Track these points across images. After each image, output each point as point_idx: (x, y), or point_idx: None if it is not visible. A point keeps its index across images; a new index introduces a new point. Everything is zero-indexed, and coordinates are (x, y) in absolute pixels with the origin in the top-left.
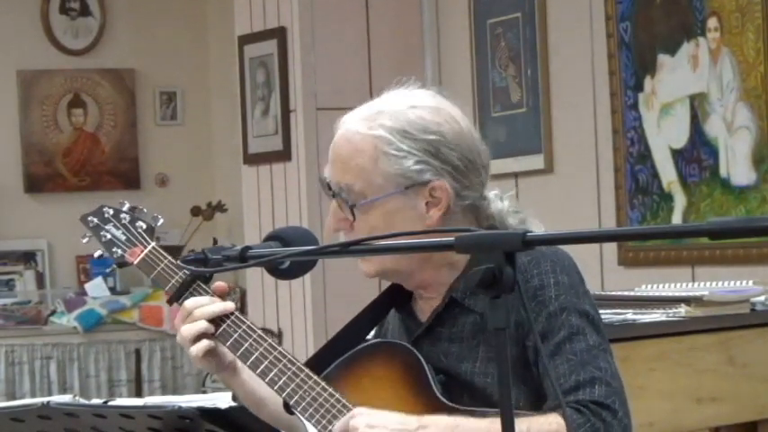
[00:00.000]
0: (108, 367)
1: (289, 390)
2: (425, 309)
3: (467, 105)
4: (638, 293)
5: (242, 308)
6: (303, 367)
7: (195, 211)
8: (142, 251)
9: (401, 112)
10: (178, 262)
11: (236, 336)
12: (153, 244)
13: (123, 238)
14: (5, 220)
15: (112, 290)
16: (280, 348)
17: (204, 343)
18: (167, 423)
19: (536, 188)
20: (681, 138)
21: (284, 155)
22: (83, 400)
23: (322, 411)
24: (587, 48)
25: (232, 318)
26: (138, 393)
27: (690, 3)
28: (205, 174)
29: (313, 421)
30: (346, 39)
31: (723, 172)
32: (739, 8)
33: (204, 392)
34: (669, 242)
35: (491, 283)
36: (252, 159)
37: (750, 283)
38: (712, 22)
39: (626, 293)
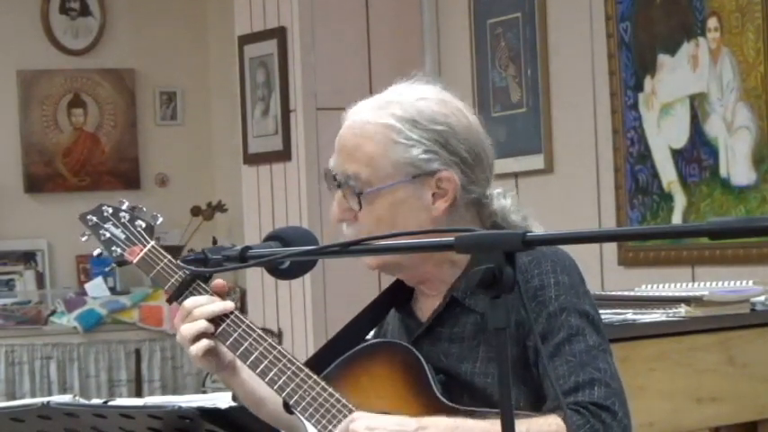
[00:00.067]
0: (108, 367)
1: (288, 389)
2: (426, 308)
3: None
4: (638, 293)
5: (242, 308)
6: (303, 367)
7: (195, 211)
8: (141, 250)
9: (410, 103)
10: (178, 262)
11: (235, 335)
12: (152, 243)
13: (122, 236)
14: (5, 220)
15: (112, 290)
16: (279, 348)
17: (204, 342)
18: (167, 423)
19: (536, 188)
20: (681, 138)
21: (284, 155)
22: (83, 400)
23: (322, 411)
24: (587, 48)
25: (232, 317)
26: (138, 393)
27: (690, 3)
28: (205, 174)
29: (313, 421)
30: (346, 39)
31: (723, 172)
32: (739, 8)
33: (204, 392)
34: (669, 242)
35: (491, 283)
36: (252, 159)
37: (750, 283)
38: (712, 22)
39: (626, 293)
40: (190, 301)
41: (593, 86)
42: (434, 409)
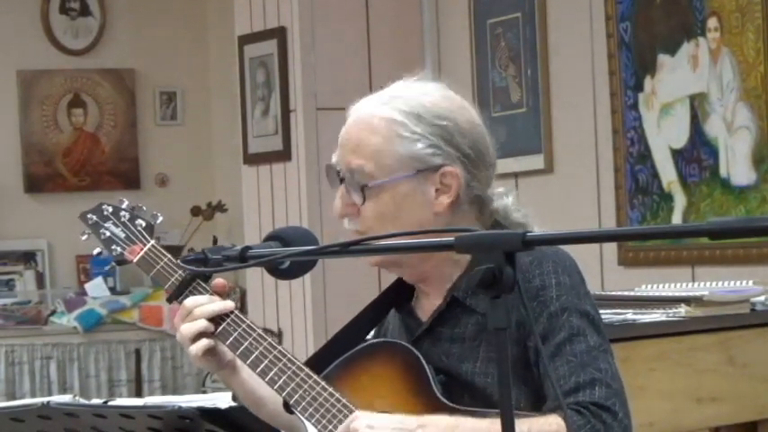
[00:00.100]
0: (108, 367)
1: (289, 389)
2: (426, 308)
3: None
4: (638, 293)
5: (242, 308)
6: (303, 366)
7: (195, 211)
8: (142, 249)
9: (415, 98)
10: (178, 262)
11: (235, 335)
12: (152, 242)
13: (122, 235)
14: (5, 220)
15: (112, 290)
16: (279, 347)
17: (204, 342)
18: (167, 423)
19: (536, 188)
20: (681, 138)
21: (284, 155)
22: (83, 400)
23: (322, 411)
24: (587, 48)
25: (232, 317)
26: (138, 393)
27: (690, 3)
28: (205, 174)
29: (313, 421)
30: (346, 39)
31: (723, 172)
32: (739, 8)
33: (204, 392)
34: (669, 242)
35: (491, 283)
36: (252, 159)
37: (750, 283)
38: (712, 22)
39: (626, 293)
40: (190, 301)
41: (593, 86)
42: (434, 408)
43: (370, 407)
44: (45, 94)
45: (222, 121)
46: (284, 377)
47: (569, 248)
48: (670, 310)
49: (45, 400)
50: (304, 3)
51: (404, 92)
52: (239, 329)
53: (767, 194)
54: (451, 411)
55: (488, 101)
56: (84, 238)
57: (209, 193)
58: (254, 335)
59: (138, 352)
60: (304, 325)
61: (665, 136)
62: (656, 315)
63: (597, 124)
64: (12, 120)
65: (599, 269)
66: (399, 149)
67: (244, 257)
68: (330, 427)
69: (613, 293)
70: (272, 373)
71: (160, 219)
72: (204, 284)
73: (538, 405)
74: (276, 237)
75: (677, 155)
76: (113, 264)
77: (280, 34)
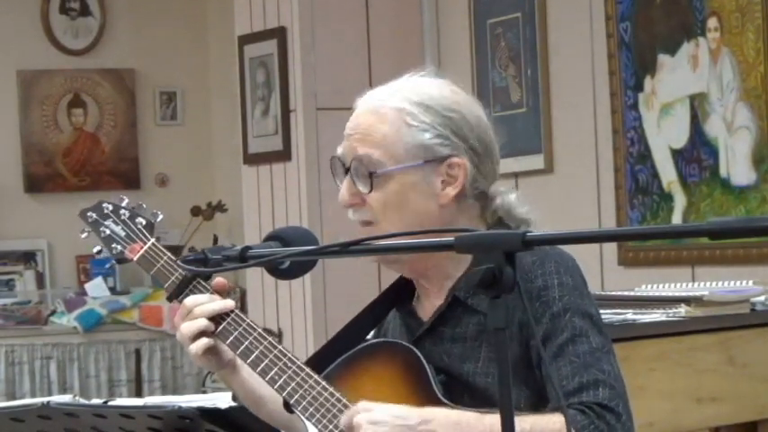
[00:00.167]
0: (108, 367)
1: (289, 389)
2: (428, 308)
3: None
4: (638, 293)
5: (242, 308)
6: (303, 366)
7: (195, 211)
8: (142, 247)
9: (423, 90)
10: (178, 262)
11: (236, 334)
12: (152, 240)
13: (123, 234)
14: (5, 220)
15: (112, 290)
16: (279, 347)
17: (204, 341)
18: (167, 423)
19: (536, 188)
20: (681, 138)
21: (284, 155)
22: (83, 400)
23: (322, 411)
24: (587, 48)
25: (232, 316)
26: (138, 393)
27: (690, 3)
28: (205, 174)
29: (313, 420)
30: (346, 39)
31: (723, 172)
32: (739, 8)
33: (204, 392)
34: (669, 242)
35: (491, 283)
36: (252, 159)
37: (750, 283)
38: (712, 22)
39: (626, 293)
40: (190, 300)
41: (593, 86)
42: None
43: None
44: (45, 94)
45: (222, 121)
46: (284, 376)
47: (569, 248)
48: (670, 310)
49: (45, 400)
50: (304, 3)
51: (412, 84)
52: (239, 329)
53: (767, 194)
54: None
55: (488, 101)
56: (84, 236)
57: (209, 193)
58: (255, 334)
59: (138, 352)
60: (304, 325)
61: (665, 136)
62: (656, 315)
63: (597, 124)
64: (12, 120)
65: (599, 269)
66: (408, 138)
67: (244, 257)
68: (330, 426)
69: (613, 293)
70: (273, 372)
71: (160, 217)
72: (204, 283)
73: (539, 406)
74: (276, 237)
75: (677, 155)
76: (113, 262)
77: (280, 34)
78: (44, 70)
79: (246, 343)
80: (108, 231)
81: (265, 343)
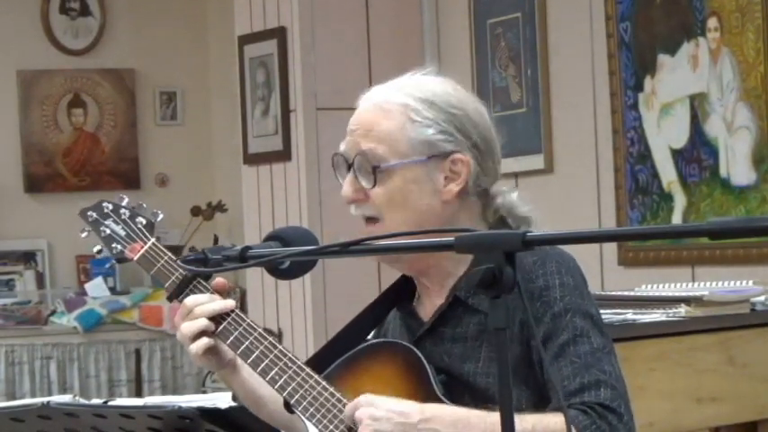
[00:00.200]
0: (108, 367)
1: (289, 389)
2: (428, 308)
3: None
4: (638, 293)
5: (242, 308)
6: (304, 366)
7: (195, 211)
8: (142, 247)
9: (427, 87)
10: (178, 261)
11: (236, 334)
12: (153, 240)
13: (123, 233)
14: (5, 220)
15: (112, 290)
16: (280, 347)
17: (204, 341)
18: (167, 423)
19: (536, 188)
20: (681, 138)
21: (284, 155)
22: (83, 400)
23: (323, 411)
24: (587, 48)
25: (233, 316)
26: (138, 393)
27: (690, 3)
28: (205, 174)
29: (314, 420)
30: (346, 39)
31: (723, 172)
32: (739, 8)
33: (204, 392)
34: (669, 242)
35: (491, 283)
36: (252, 159)
37: (750, 283)
38: (712, 22)
39: (626, 293)
40: (190, 299)
41: (593, 86)
42: None
43: None
44: (45, 94)
45: (222, 121)
46: (285, 377)
47: (569, 248)
48: (670, 310)
49: (45, 400)
50: (304, 3)
51: (416, 81)
52: (240, 329)
53: (767, 194)
54: None
55: (488, 101)
56: (84, 235)
57: (209, 193)
58: (255, 334)
59: (138, 352)
60: (304, 325)
61: (665, 136)
62: (656, 315)
63: (597, 124)
64: (12, 120)
65: (599, 269)
66: (412, 134)
67: (244, 257)
68: (331, 426)
69: (613, 293)
70: (273, 372)
71: (161, 216)
72: (205, 283)
73: (540, 406)
74: (276, 237)
75: (677, 155)
76: (113, 262)
77: (280, 34)
78: (44, 70)
79: (247, 343)
80: (108, 231)
81: (266, 343)
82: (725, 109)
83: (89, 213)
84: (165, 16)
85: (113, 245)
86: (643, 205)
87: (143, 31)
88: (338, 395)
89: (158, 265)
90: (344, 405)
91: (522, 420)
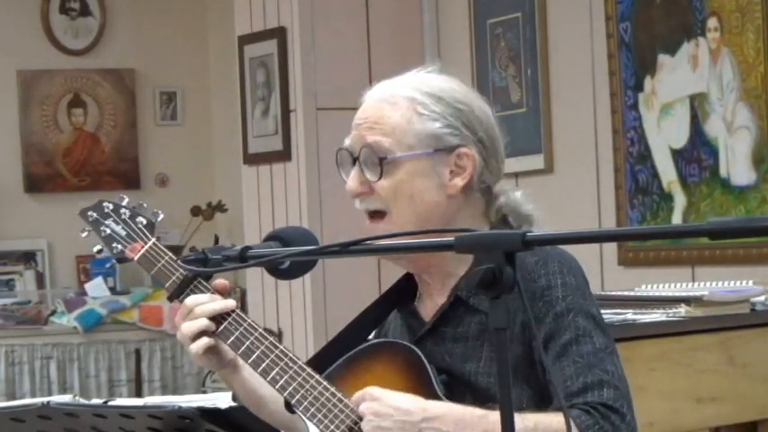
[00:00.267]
0: (108, 367)
1: (290, 389)
2: (430, 308)
3: None
4: (638, 293)
5: (242, 308)
6: (304, 366)
7: (195, 211)
8: (143, 247)
9: (433, 82)
10: (179, 261)
11: (237, 334)
12: (153, 240)
13: (123, 233)
14: (5, 220)
15: (112, 290)
16: (281, 347)
17: (204, 340)
18: (167, 423)
19: (536, 188)
20: (681, 138)
21: (284, 155)
22: (83, 400)
23: (324, 411)
24: (587, 48)
25: (233, 316)
26: (138, 393)
27: (690, 3)
28: (205, 174)
29: (315, 420)
30: (346, 39)
31: (723, 172)
32: (739, 8)
33: (204, 392)
34: (669, 242)
35: (491, 284)
36: (252, 159)
37: (750, 283)
38: (712, 22)
39: (626, 293)
40: (191, 299)
41: (593, 86)
42: None
43: None
44: (45, 94)
45: (222, 121)
46: (286, 377)
47: (569, 248)
48: (670, 310)
49: (45, 400)
50: (304, 3)
51: (421, 77)
52: (240, 329)
53: (767, 194)
54: None
55: (488, 101)
56: (84, 235)
57: (209, 193)
58: (256, 334)
59: (138, 352)
60: (304, 325)
61: (665, 136)
62: (656, 315)
63: (597, 124)
64: (12, 120)
65: (599, 269)
66: (418, 127)
67: (244, 257)
68: (332, 426)
69: (613, 293)
70: (274, 372)
71: (161, 216)
72: (205, 283)
73: (541, 405)
74: (276, 237)
75: (677, 155)
76: (113, 262)
77: (280, 34)
78: (44, 70)
79: (248, 343)
80: (108, 231)
81: (266, 343)
82: (725, 109)
83: (89, 213)
84: (165, 16)
85: (114, 244)
86: (643, 205)
87: (143, 31)
88: (339, 395)
89: (159, 264)
90: (346, 405)
91: (524, 419)
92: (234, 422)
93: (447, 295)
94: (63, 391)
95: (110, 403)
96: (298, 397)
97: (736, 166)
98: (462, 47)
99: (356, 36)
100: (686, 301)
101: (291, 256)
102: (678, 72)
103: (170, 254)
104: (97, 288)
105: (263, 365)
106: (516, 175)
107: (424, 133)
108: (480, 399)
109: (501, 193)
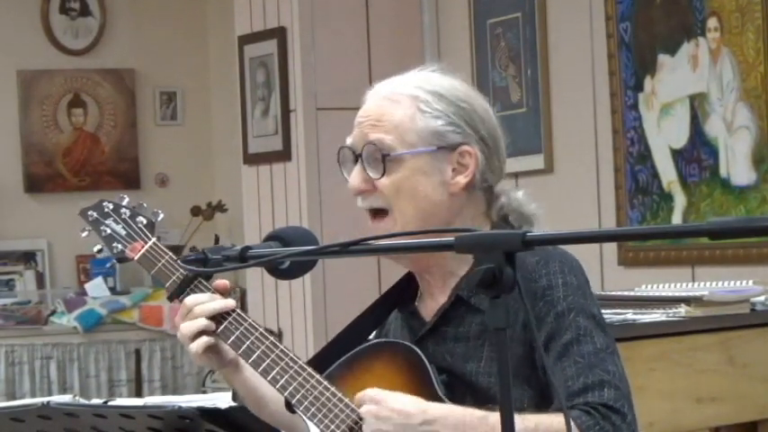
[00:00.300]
0: (108, 367)
1: (291, 389)
2: (430, 308)
3: None
4: (638, 293)
5: (242, 308)
6: (305, 366)
7: (195, 211)
8: (143, 246)
9: (435, 80)
10: (179, 261)
11: (237, 333)
12: (153, 239)
13: (123, 233)
14: (5, 220)
15: (112, 290)
16: (281, 347)
17: (204, 340)
18: (167, 423)
19: (536, 188)
20: (681, 138)
21: (284, 155)
22: (83, 400)
23: (324, 411)
24: (587, 48)
25: (233, 315)
26: (138, 393)
27: (690, 3)
28: (205, 174)
29: (315, 420)
30: (346, 39)
31: (723, 172)
32: (739, 8)
33: (204, 392)
34: (669, 242)
35: (491, 284)
36: (252, 159)
37: (750, 283)
38: (712, 22)
39: (626, 293)
40: (191, 299)
41: (593, 86)
42: None
43: None
44: (45, 94)
45: (222, 121)
46: (286, 376)
47: (569, 248)
48: (670, 310)
49: (45, 400)
50: (304, 3)
51: (423, 75)
52: (241, 328)
53: (767, 194)
54: None
55: (488, 101)
56: (85, 234)
57: (209, 193)
58: (256, 334)
59: (138, 352)
60: (304, 325)
61: (665, 136)
62: (656, 315)
63: (597, 124)
64: (12, 120)
65: (599, 269)
66: (421, 124)
67: (244, 257)
68: (332, 426)
69: (613, 293)
70: (274, 372)
71: (161, 216)
72: (206, 283)
73: (542, 406)
74: (276, 237)
75: (677, 155)
76: (113, 262)
77: (280, 34)
78: (44, 70)
79: (248, 343)
80: (109, 230)
81: (267, 343)
82: (725, 109)
83: (89, 213)
84: (165, 16)
85: (114, 244)
86: (643, 205)
87: (143, 31)
88: (339, 395)
89: (159, 264)
90: (346, 405)
91: (525, 420)
92: (234, 422)
93: (448, 295)
94: (63, 391)
95: (110, 403)
96: (298, 397)
97: (736, 166)
98: (462, 47)
99: (356, 36)
100: (686, 301)
101: (291, 256)
102: (678, 72)
103: (170, 254)
104: (97, 288)
105: (264, 365)
106: (516, 174)
107: (426, 131)
108: (481, 399)
109: (502, 193)
